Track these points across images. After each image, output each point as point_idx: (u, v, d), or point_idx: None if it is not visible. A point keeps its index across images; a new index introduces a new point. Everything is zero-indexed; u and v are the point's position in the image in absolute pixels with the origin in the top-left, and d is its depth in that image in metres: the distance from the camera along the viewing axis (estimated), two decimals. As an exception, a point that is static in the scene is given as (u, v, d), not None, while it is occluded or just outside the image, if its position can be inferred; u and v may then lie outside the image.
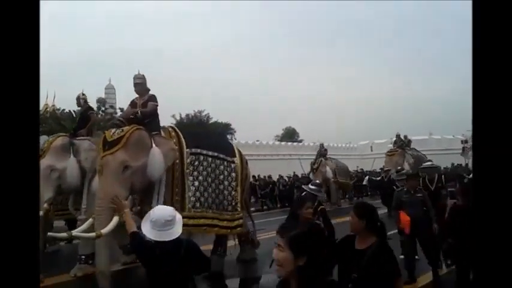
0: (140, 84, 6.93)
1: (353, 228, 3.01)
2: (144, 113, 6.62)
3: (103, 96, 41.21)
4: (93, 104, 38.98)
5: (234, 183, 6.89)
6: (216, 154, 6.78)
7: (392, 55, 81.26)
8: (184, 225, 6.26)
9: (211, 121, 44.19)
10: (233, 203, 6.72)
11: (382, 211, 15.26)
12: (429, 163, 9.33)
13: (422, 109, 70.06)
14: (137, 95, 6.95)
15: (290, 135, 53.02)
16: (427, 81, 78.67)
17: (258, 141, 34.31)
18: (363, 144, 42.12)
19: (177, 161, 6.26)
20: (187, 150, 6.46)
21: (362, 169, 28.78)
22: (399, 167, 15.96)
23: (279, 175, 23.05)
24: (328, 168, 19.52)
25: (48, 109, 28.53)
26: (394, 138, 20.80)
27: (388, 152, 19.83)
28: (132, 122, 6.29)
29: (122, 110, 38.06)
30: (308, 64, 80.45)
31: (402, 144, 20.08)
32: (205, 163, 6.57)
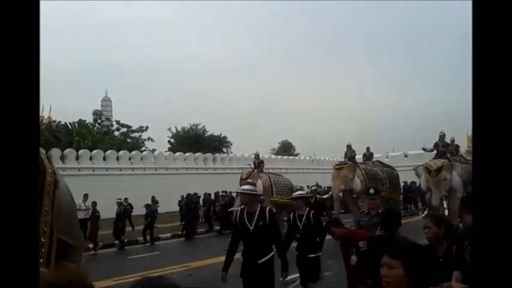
0: None
1: None
2: None
3: (99, 108, 41.52)
4: (89, 116, 38.91)
5: None
6: None
7: (391, 66, 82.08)
8: None
9: (207, 134, 44.24)
10: None
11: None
12: (299, 192, 6.46)
13: (420, 123, 70.35)
14: None
15: (286, 148, 53.12)
16: (424, 94, 79.42)
17: (253, 154, 34.26)
18: (357, 158, 42.14)
19: None
20: None
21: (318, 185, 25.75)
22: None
23: (216, 191, 19.63)
24: (259, 182, 15.74)
25: (43, 121, 28.60)
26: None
27: (336, 165, 16.40)
28: None
29: (118, 122, 38.42)
30: (305, 77, 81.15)
31: (354, 156, 17.11)
32: None
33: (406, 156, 40.61)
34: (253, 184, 5.13)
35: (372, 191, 5.88)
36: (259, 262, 4.72)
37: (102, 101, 42.98)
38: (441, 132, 16.24)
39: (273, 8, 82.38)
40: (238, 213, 4.98)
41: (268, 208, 5.02)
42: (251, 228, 4.76)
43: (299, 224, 5.97)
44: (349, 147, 17.67)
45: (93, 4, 72.92)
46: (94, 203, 15.22)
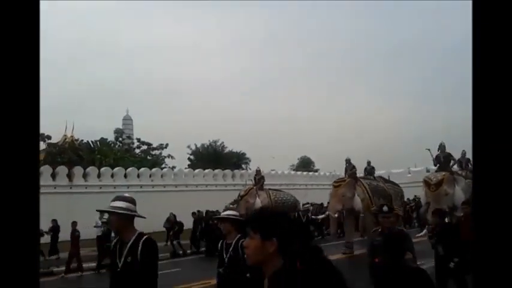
0: None
1: None
2: None
3: (120, 127, 42.41)
4: (110, 134, 39.74)
5: None
6: None
7: (412, 83, 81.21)
8: None
9: (226, 150, 44.46)
10: None
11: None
12: (227, 213, 5.06)
13: (440, 138, 68.86)
14: None
15: (305, 164, 52.78)
16: (443, 107, 78.09)
17: (273, 170, 34.20)
18: (379, 174, 41.47)
19: None
20: None
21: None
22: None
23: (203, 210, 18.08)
24: (258, 200, 15.49)
25: (67, 140, 29.41)
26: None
27: (334, 182, 15.15)
28: None
29: (139, 140, 39.10)
30: (322, 93, 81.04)
31: (354, 172, 15.83)
32: None
33: (428, 171, 39.67)
34: (130, 201, 3.45)
35: (385, 208, 5.54)
36: None
37: (123, 120, 43.92)
38: (441, 143, 15.31)
39: (289, 27, 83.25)
40: (112, 245, 3.47)
41: (145, 238, 3.31)
42: (119, 265, 3.25)
43: (225, 256, 4.54)
44: (348, 161, 16.40)
45: (118, 27, 75.20)
46: (74, 223, 13.90)
